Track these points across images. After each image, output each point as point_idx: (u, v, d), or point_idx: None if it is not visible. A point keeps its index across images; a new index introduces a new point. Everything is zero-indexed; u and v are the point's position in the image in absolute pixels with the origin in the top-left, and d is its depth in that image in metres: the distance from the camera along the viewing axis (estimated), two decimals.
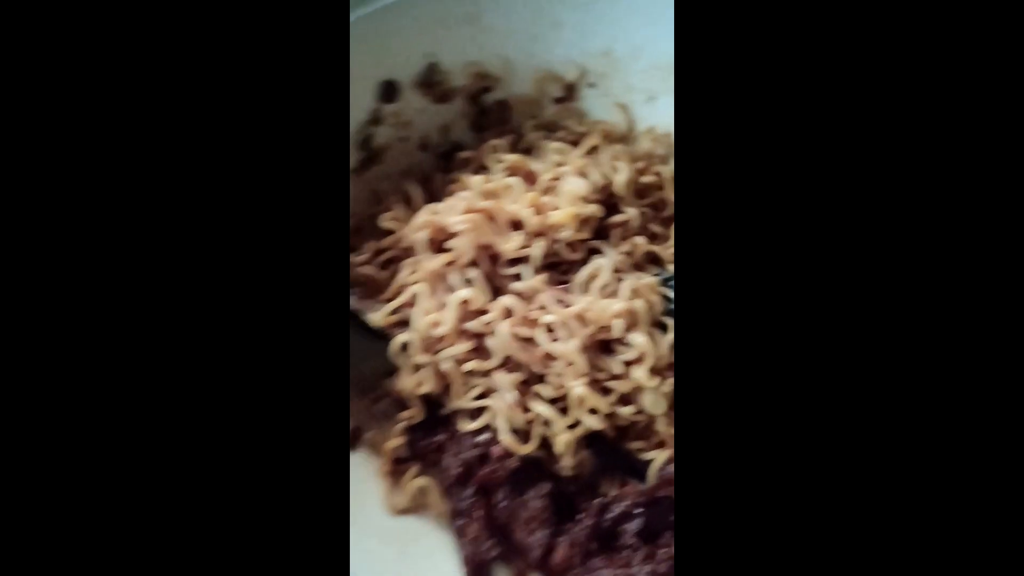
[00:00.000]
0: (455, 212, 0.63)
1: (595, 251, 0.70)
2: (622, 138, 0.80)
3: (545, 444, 0.60)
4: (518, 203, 0.66)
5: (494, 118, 0.80)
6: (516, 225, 0.66)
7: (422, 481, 0.62)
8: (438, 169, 0.77)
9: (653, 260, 0.76)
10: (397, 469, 0.63)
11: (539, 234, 0.66)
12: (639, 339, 0.62)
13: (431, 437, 0.62)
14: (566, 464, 0.59)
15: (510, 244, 0.63)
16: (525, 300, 0.64)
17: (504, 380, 0.60)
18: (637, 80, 0.79)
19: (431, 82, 0.78)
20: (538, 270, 0.65)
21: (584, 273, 0.67)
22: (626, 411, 0.61)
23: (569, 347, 0.60)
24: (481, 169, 0.75)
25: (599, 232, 0.72)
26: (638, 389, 0.62)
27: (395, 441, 0.63)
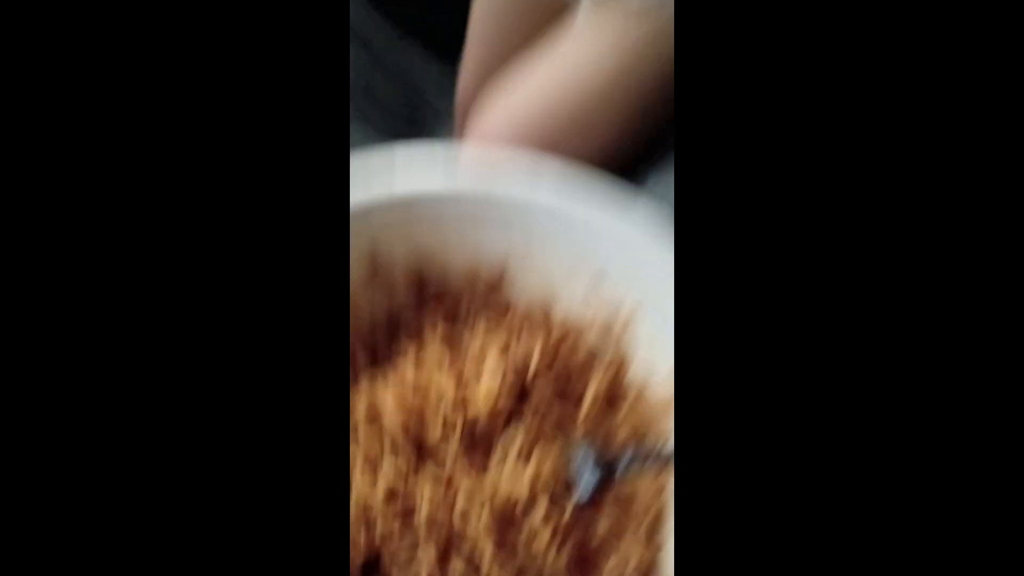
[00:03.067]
0: (388, 403, 0.74)
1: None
2: (541, 322, 0.95)
3: None
4: (444, 380, 0.78)
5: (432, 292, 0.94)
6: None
7: None
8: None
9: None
10: None
11: (460, 411, 0.78)
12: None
13: None
14: None
15: (434, 435, 0.73)
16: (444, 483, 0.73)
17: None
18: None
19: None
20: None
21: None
22: None
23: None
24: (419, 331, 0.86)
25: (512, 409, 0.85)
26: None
27: None
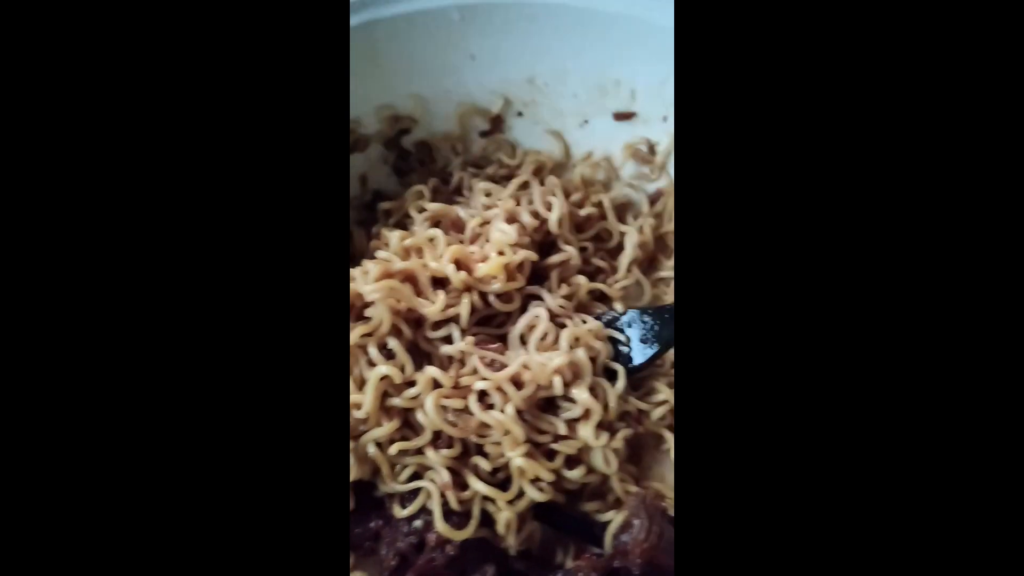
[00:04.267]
0: (370, 278, 0.58)
1: (533, 297, 0.66)
2: (558, 166, 0.76)
3: (488, 521, 0.56)
4: (441, 258, 0.61)
5: (417, 159, 0.76)
6: (441, 282, 0.61)
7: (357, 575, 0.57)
8: (358, 222, 0.73)
9: (599, 297, 0.72)
10: None
11: (467, 289, 0.61)
12: (583, 395, 0.58)
13: (365, 525, 0.57)
14: (511, 543, 0.55)
15: (433, 308, 0.58)
16: (456, 364, 0.59)
17: (436, 459, 0.55)
18: (567, 104, 0.74)
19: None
20: (468, 329, 0.60)
21: (520, 324, 0.62)
22: (574, 474, 0.57)
23: (505, 416, 0.55)
24: (405, 219, 0.71)
25: (537, 273, 0.68)
26: (587, 448, 0.58)
27: None
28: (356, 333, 0.57)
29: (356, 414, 0.55)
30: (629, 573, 0.51)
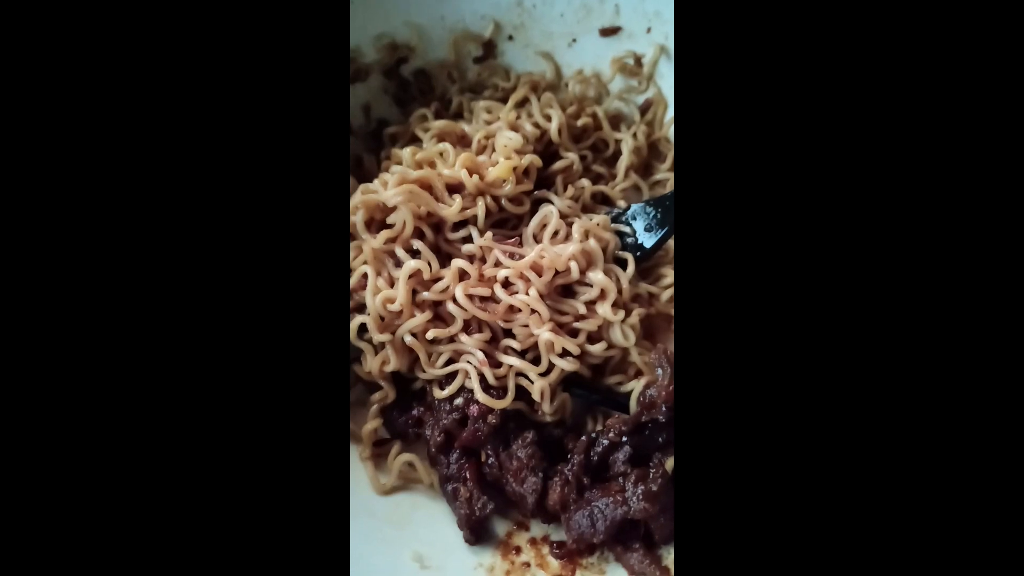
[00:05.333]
0: (389, 187, 0.62)
1: (541, 201, 0.70)
2: (550, 86, 0.80)
3: (523, 395, 0.60)
4: (454, 167, 0.65)
5: (416, 89, 0.79)
6: (455, 189, 0.65)
7: (406, 457, 0.61)
8: (367, 150, 0.76)
9: (602, 200, 0.76)
10: (378, 451, 0.63)
11: (480, 194, 0.65)
12: (598, 276, 0.62)
13: (407, 413, 0.61)
14: (546, 410, 0.59)
15: (451, 209, 0.62)
16: (477, 261, 0.63)
17: (469, 341, 0.59)
18: (555, 25, 0.78)
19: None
20: (484, 230, 0.64)
21: (533, 223, 0.66)
22: (597, 348, 0.61)
23: (529, 297, 0.60)
24: (412, 141, 0.74)
25: (542, 182, 0.72)
26: (606, 325, 0.62)
27: (372, 424, 0.62)
28: (381, 238, 0.61)
29: (391, 307, 0.59)
30: (657, 423, 0.56)
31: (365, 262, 0.61)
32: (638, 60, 0.78)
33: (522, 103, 0.75)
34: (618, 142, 0.76)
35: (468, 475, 0.58)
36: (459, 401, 0.59)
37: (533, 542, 0.60)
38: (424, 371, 0.60)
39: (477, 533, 0.58)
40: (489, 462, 0.58)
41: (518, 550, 0.59)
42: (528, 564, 0.58)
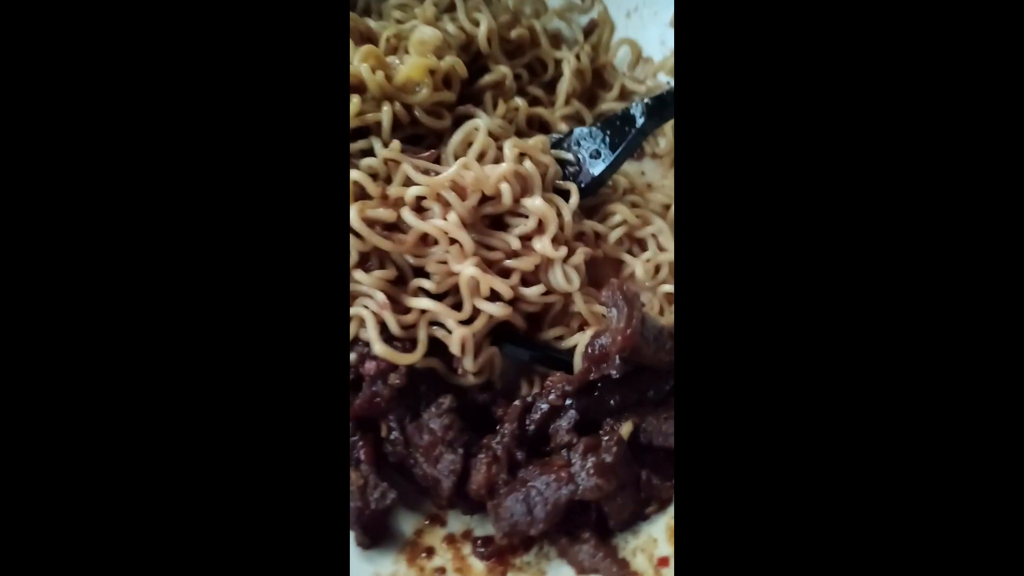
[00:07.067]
0: None
1: (465, 117, 0.57)
2: None
3: (438, 350, 0.46)
4: (354, 62, 0.51)
5: None
6: (354, 90, 0.51)
7: None
8: None
9: (539, 127, 0.65)
10: None
11: (386, 97, 0.51)
12: (536, 203, 0.50)
13: None
14: (468, 368, 0.46)
15: (350, 111, 0.48)
16: (381, 180, 0.49)
17: (366, 280, 0.45)
18: None
19: None
20: (389, 141, 0.50)
21: (455, 140, 0.53)
22: (533, 292, 0.49)
23: (448, 223, 0.46)
24: None
25: (468, 98, 0.60)
26: (544, 265, 0.50)
27: None
28: None
29: None
30: (610, 381, 0.44)
31: None
32: None
33: (446, 10, 0.62)
34: (558, 63, 0.65)
35: (362, 455, 0.43)
36: (352, 357, 0.44)
37: (451, 540, 0.46)
38: None
39: (373, 533, 0.44)
40: (391, 437, 0.44)
41: (430, 552, 0.45)
42: (443, 570, 0.45)
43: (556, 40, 0.68)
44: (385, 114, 0.50)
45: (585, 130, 0.58)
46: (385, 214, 0.46)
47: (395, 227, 0.47)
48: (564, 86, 0.63)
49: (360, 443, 0.44)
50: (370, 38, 0.57)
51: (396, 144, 0.49)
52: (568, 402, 0.43)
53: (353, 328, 0.45)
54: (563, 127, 0.61)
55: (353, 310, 0.45)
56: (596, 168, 0.56)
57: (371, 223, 0.46)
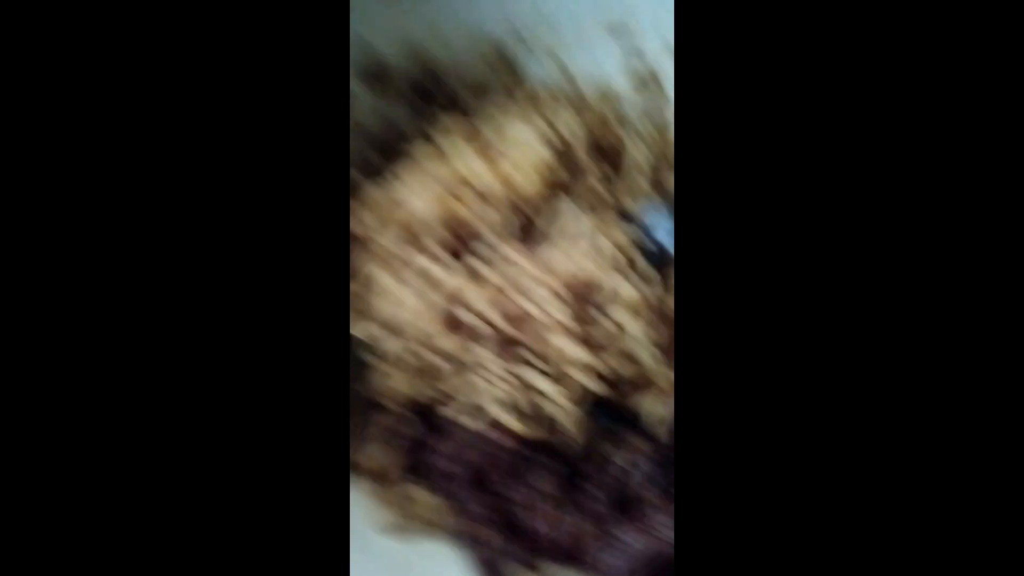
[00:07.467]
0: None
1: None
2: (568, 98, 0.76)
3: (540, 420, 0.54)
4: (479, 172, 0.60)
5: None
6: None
7: (409, 491, 0.54)
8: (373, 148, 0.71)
9: (624, 218, 0.73)
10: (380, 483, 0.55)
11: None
12: (625, 286, 0.57)
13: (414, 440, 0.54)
14: (574, 438, 0.53)
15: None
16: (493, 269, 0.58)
17: (493, 360, 0.53)
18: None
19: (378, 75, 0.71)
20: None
21: (544, 222, 0.61)
22: (624, 369, 0.56)
23: (554, 306, 0.54)
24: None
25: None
26: (630, 341, 0.57)
27: (375, 451, 0.55)
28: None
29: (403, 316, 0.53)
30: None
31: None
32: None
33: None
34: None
35: (479, 510, 0.51)
36: (475, 427, 0.52)
37: None
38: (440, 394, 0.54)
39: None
40: (502, 495, 0.51)
41: None
42: None
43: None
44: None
45: (658, 213, 0.65)
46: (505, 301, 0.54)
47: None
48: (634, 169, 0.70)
49: (477, 498, 0.51)
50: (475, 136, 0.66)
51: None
52: (654, 468, 0.49)
53: (490, 404, 0.52)
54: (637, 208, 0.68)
55: (487, 387, 0.53)
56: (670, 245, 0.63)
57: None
